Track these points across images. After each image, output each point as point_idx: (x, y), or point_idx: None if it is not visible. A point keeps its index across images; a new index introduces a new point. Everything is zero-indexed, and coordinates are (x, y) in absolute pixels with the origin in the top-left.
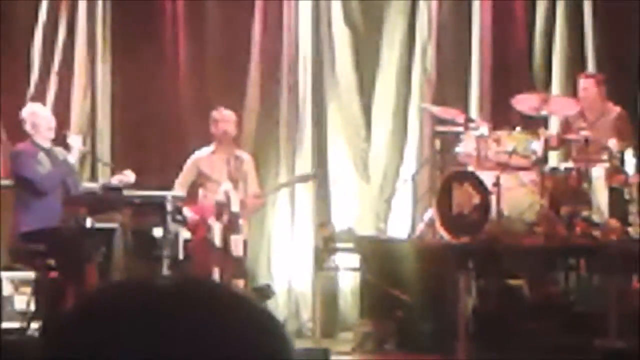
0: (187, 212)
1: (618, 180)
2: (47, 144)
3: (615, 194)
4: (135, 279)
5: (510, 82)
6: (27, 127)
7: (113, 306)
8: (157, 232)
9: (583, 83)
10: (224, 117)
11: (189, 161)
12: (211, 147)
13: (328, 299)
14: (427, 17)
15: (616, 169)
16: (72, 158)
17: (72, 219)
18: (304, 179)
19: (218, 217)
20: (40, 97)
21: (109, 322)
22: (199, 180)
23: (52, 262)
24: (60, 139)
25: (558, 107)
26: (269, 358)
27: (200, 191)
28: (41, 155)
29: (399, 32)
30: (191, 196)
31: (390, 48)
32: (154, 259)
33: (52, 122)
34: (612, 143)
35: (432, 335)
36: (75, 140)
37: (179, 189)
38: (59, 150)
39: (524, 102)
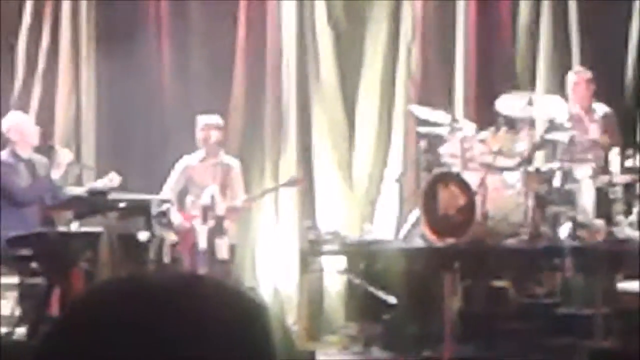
0: (176, 216)
1: (603, 180)
2: (27, 155)
3: (600, 194)
4: (122, 278)
5: (495, 83)
6: (9, 136)
7: (101, 309)
8: (143, 235)
9: (574, 79)
10: (209, 123)
11: (179, 167)
12: (200, 154)
13: (314, 301)
14: (411, 19)
15: (602, 169)
16: (57, 174)
17: (57, 223)
18: (291, 183)
19: (204, 220)
20: (24, 102)
21: (100, 326)
22: (188, 187)
23: (37, 266)
24: (45, 150)
25: (543, 107)
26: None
27: (188, 197)
28: (21, 167)
29: (383, 34)
30: (179, 201)
31: (374, 50)
32: (139, 262)
33: (35, 134)
34: (603, 139)
35: (418, 337)
36: (63, 155)
37: (169, 194)
38: (40, 162)
39: (508, 103)
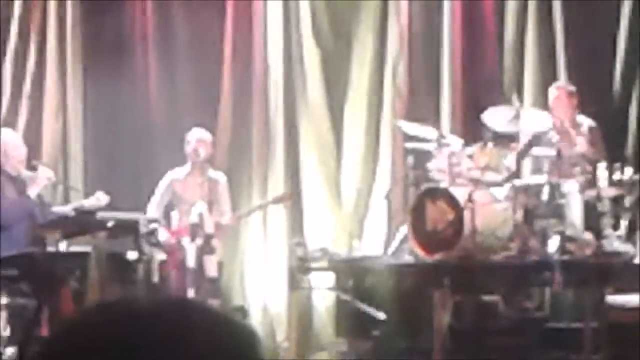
0: (163, 233)
1: (591, 193)
2: (16, 172)
3: (588, 207)
4: (112, 302)
5: (481, 98)
6: None
7: (91, 333)
8: (132, 254)
9: (554, 94)
10: (199, 138)
11: (164, 182)
12: (186, 169)
13: (303, 318)
14: (398, 34)
15: (589, 183)
16: (34, 191)
17: (46, 242)
18: (278, 200)
19: (192, 238)
20: (11, 121)
21: (88, 349)
22: (174, 202)
23: (26, 286)
24: (30, 168)
25: (530, 121)
26: None
27: (175, 212)
28: (7, 186)
29: (369, 50)
30: (165, 216)
31: (361, 66)
32: (128, 282)
33: (23, 153)
34: (586, 161)
35: (408, 352)
36: (43, 172)
37: (154, 210)
38: (29, 177)
39: (495, 117)
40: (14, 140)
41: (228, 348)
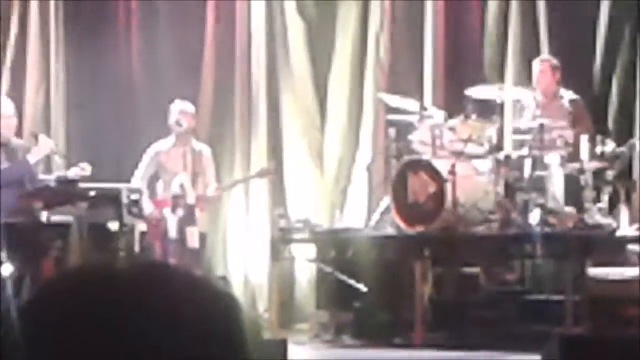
0: (146, 204)
1: (573, 166)
2: (4, 140)
3: (570, 180)
4: (91, 265)
5: (464, 70)
6: None
7: (70, 294)
8: (113, 225)
9: (538, 67)
10: (181, 110)
11: (149, 154)
12: (171, 140)
13: (284, 290)
14: (380, 6)
15: (571, 156)
16: (33, 157)
17: (27, 212)
18: (261, 173)
19: (174, 209)
20: None
21: (67, 310)
22: (158, 173)
23: (7, 256)
24: (27, 138)
25: (512, 94)
26: (228, 336)
27: (159, 183)
28: None
29: (352, 22)
30: (150, 188)
31: (344, 37)
32: (110, 252)
33: (14, 121)
34: (569, 134)
35: (389, 324)
36: (44, 141)
37: (139, 182)
38: (18, 145)
39: (478, 90)
40: (4, 108)
41: (208, 310)
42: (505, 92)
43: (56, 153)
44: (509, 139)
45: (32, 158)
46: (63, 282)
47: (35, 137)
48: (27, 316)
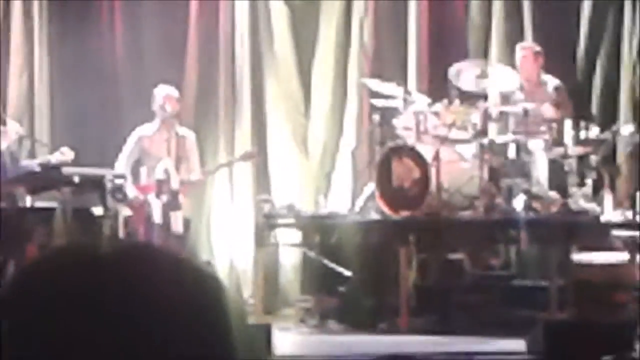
0: (131, 190)
1: (557, 152)
2: None
3: (554, 166)
4: (75, 246)
5: (448, 56)
6: None
7: (53, 276)
8: (98, 210)
9: (521, 54)
10: (165, 94)
11: (132, 138)
12: (155, 125)
13: (269, 275)
14: None
15: (555, 141)
16: (3, 144)
17: (10, 198)
18: (245, 157)
19: (158, 194)
20: None
21: (50, 292)
22: (142, 158)
23: None
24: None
25: (497, 78)
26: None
27: (143, 168)
28: None
29: (336, 7)
30: (133, 173)
31: (328, 23)
32: (94, 237)
33: None
34: (550, 112)
35: (373, 309)
36: (11, 125)
37: (122, 166)
38: None
39: (462, 73)
40: None
41: (192, 291)
42: (489, 75)
43: (25, 137)
44: (493, 125)
45: (2, 144)
46: (45, 264)
47: (4, 123)
48: (8, 299)
